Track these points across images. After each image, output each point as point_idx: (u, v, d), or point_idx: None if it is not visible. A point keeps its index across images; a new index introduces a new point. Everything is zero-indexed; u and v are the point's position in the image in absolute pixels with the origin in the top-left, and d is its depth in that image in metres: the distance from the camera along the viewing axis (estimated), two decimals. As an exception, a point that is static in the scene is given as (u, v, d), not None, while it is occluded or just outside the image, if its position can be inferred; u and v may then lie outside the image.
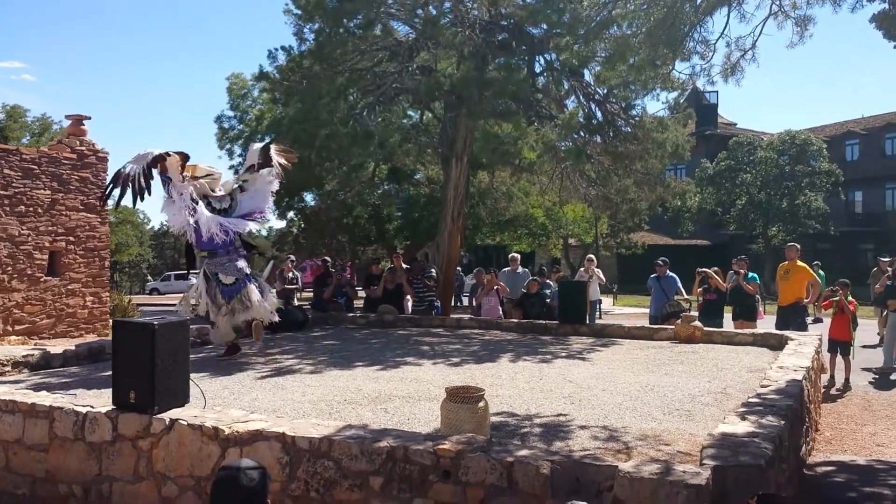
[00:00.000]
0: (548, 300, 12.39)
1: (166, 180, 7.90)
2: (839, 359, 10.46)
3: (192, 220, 7.93)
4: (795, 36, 8.10)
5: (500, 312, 12.65)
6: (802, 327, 10.95)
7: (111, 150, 15.83)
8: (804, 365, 6.99)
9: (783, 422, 4.70)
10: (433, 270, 13.45)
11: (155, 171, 7.72)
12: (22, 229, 14.02)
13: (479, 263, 28.72)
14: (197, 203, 8.07)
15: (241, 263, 8.50)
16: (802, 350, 8.08)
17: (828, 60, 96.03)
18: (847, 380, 10.29)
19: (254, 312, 8.50)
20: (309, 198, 26.25)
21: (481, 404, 4.82)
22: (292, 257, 15.70)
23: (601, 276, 14.69)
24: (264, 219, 9.12)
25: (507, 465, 3.93)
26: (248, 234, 8.84)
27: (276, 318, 9.01)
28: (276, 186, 8.97)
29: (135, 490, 4.89)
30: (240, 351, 8.71)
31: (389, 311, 12.41)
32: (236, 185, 8.84)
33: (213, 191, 8.60)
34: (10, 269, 13.79)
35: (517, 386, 6.89)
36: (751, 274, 11.84)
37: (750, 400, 5.43)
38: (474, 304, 13.60)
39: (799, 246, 11.92)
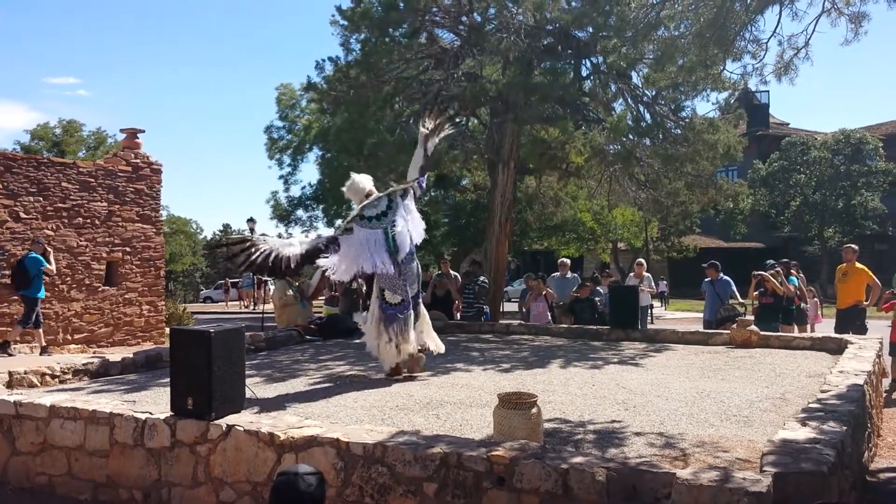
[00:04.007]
0: (599, 305, 12.27)
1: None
2: (901, 363, 10.16)
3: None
4: (850, 33, 7.89)
5: (549, 318, 12.58)
6: (862, 330, 10.69)
7: (164, 161, 16.17)
8: (865, 369, 6.80)
9: (845, 427, 4.58)
10: (483, 279, 13.43)
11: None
12: (80, 241, 14.40)
13: (528, 268, 28.65)
14: (351, 231, 7.36)
15: (411, 282, 7.62)
16: (863, 354, 7.87)
17: (884, 58, 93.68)
18: (909, 384, 9.99)
19: (410, 346, 7.63)
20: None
21: (534, 410, 4.79)
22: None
23: (651, 284, 14.49)
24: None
25: (562, 472, 3.90)
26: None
27: (441, 349, 8.11)
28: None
29: (193, 495, 4.97)
30: (400, 374, 7.74)
31: (438, 318, 12.42)
32: (399, 191, 7.82)
33: (366, 196, 7.67)
34: (69, 279, 14.17)
35: (569, 392, 6.83)
36: (791, 278, 11.63)
37: (810, 405, 5.30)
38: (523, 309, 13.55)
39: (857, 247, 11.63)
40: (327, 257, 7.17)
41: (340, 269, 7.25)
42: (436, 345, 8.04)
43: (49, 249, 12.98)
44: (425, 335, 7.96)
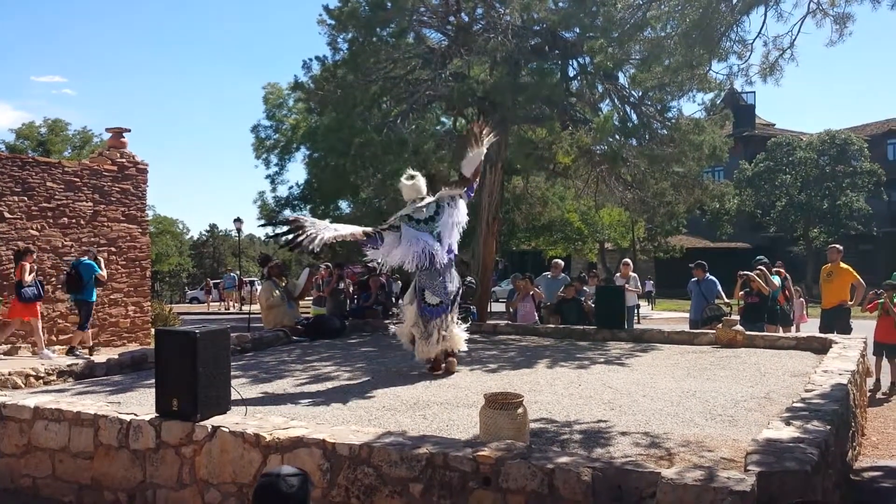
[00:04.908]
0: (586, 306, 12.29)
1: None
2: (885, 362, 10.24)
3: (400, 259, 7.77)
4: (834, 34, 7.92)
5: (536, 318, 12.59)
6: (846, 330, 10.75)
7: (150, 160, 16.10)
8: (849, 368, 6.85)
9: (829, 427, 4.61)
10: (471, 279, 13.44)
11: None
12: (65, 241, 14.29)
13: (515, 269, 28.67)
14: (398, 229, 7.79)
15: (451, 286, 7.98)
16: (847, 353, 7.92)
17: (868, 58, 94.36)
18: (893, 383, 10.06)
19: (449, 343, 7.95)
20: (344, 205, 26.42)
21: (520, 410, 4.80)
22: (329, 265, 15.77)
23: (637, 284, 14.54)
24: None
25: (548, 472, 3.91)
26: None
27: (464, 348, 8.31)
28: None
29: (179, 497, 4.95)
30: (439, 370, 8.01)
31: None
32: (447, 198, 8.15)
33: (415, 201, 8.09)
34: (53, 280, 14.07)
35: (556, 392, 6.85)
36: (773, 276, 11.71)
37: (794, 405, 5.33)
38: (510, 310, 13.55)
39: (841, 247, 11.70)
40: (368, 247, 7.74)
41: (387, 257, 7.76)
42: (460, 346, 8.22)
43: (100, 258, 13.46)
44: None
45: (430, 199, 8.12)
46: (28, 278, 11.87)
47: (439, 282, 7.86)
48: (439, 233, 7.87)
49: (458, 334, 8.14)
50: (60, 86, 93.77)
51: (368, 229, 7.88)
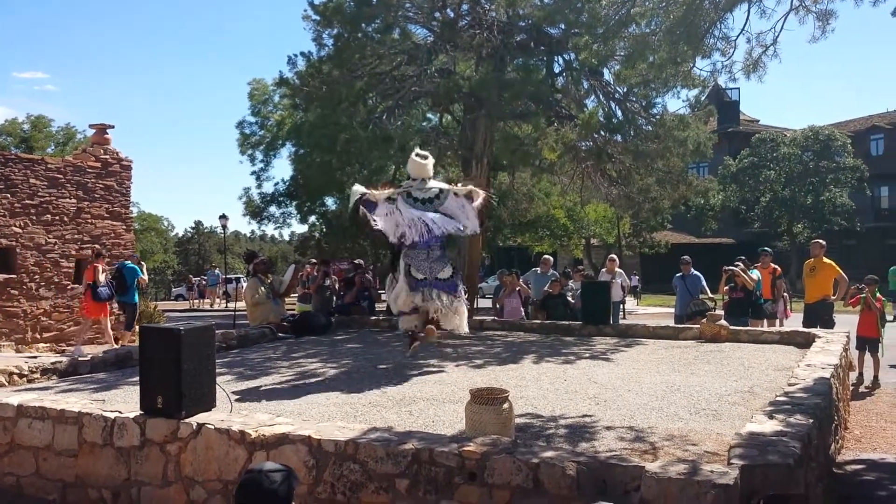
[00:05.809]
0: (571, 301, 12.32)
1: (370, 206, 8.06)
2: (867, 356, 10.33)
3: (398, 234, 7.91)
4: (817, 31, 7.99)
5: (523, 313, 12.60)
6: (829, 324, 10.83)
7: (134, 157, 16.03)
8: (832, 363, 6.90)
9: (811, 420, 4.65)
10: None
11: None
12: (48, 238, 14.21)
13: (501, 265, 28.72)
14: (394, 202, 7.94)
15: (442, 272, 8.06)
16: (830, 348, 7.98)
17: (851, 55, 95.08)
18: (876, 377, 10.16)
19: (432, 313, 8.05)
20: (330, 202, 26.37)
21: (506, 406, 4.81)
22: (314, 261, 15.73)
23: (625, 279, 14.57)
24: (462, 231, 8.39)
25: (533, 467, 3.92)
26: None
27: (466, 331, 8.46)
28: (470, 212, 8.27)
29: (164, 494, 4.93)
30: (416, 342, 8.36)
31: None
32: (449, 189, 8.26)
33: (422, 179, 8.19)
34: (37, 277, 13.98)
35: (541, 387, 6.87)
36: (752, 270, 11.77)
37: (777, 398, 5.37)
38: (497, 306, 13.57)
39: (824, 242, 11.77)
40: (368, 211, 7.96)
41: (380, 225, 7.93)
42: (454, 326, 8.25)
43: (143, 263, 14.55)
44: (449, 318, 8.17)
45: (436, 183, 8.21)
46: (102, 279, 12.86)
47: (423, 260, 7.99)
48: (434, 217, 7.92)
49: (446, 309, 8.08)
50: (43, 82, 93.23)
51: (365, 193, 8.03)
